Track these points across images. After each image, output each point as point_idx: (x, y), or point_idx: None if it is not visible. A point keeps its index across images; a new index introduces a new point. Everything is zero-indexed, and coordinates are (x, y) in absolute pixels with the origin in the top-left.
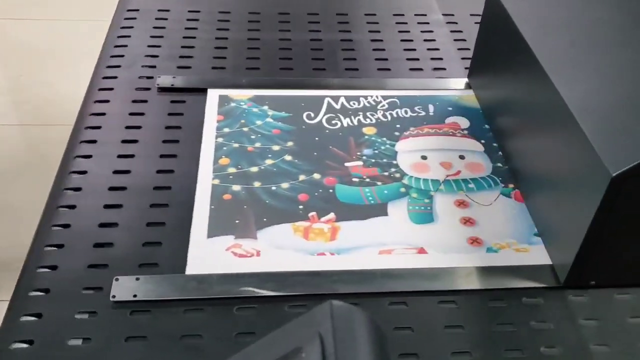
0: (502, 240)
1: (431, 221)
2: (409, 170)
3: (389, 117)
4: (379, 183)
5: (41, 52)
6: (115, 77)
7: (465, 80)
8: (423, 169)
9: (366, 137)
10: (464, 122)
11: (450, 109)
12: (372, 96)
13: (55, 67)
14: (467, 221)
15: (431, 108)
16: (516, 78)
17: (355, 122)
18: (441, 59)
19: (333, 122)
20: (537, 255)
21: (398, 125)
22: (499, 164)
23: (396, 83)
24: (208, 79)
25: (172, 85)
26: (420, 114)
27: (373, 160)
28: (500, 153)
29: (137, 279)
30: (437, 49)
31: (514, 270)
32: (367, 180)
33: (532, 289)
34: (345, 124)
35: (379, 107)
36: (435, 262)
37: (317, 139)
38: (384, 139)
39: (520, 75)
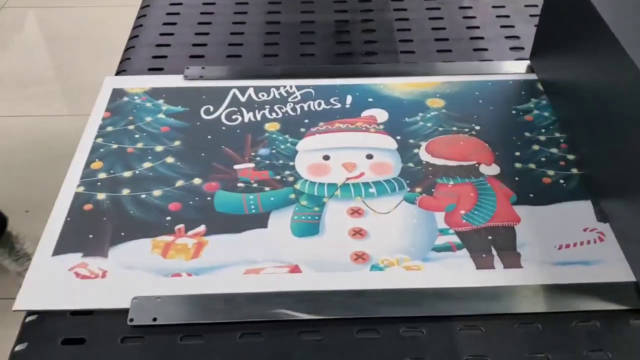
0: (393, 255)
1: (315, 233)
2: (305, 172)
3: (298, 111)
4: (267, 189)
5: (80, 40)
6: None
7: (527, 63)
8: (322, 171)
9: (267, 134)
10: (382, 116)
11: (371, 99)
12: (285, 87)
13: (95, 55)
14: (357, 233)
15: (349, 99)
16: (590, 59)
17: (259, 117)
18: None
19: (234, 117)
20: (429, 274)
21: (306, 120)
22: (410, 164)
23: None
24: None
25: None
26: (335, 107)
27: (267, 162)
28: (415, 151)
29: (158, 298)
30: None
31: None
32: (255, 185)
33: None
34: (246, 120)
35: (290, 99)
36: (307, 283)
37: (209, 137)
38: (287, 136)
39: (596, 56)
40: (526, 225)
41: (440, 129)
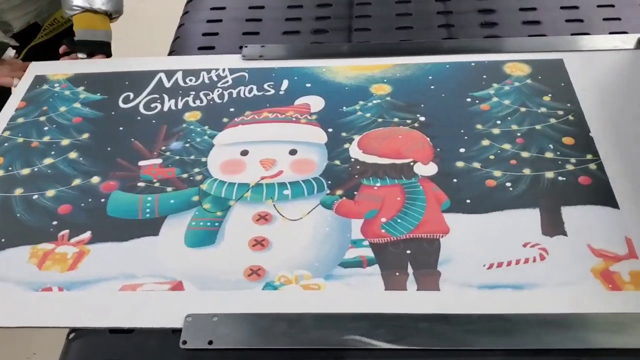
0: (292, 272)
1: (211, 243)
2: (217, 170)
3: (225, 98)
4: (169, 189)
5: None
6: None
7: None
8: (236, 168)
9: (184, 125)
10: (318, 104)
11: (309, 85)
12: (217, 70)
13: (146, 35)
14: (259, 243)
15: (284, 85)
16: None
17: (180, 105)
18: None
19: (153, 105)
20: (328, 295)
21: (232, 109)
22: (337, 162)
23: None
24: None
25: None
26: (268, 93)
27: (177, 158)
28: (346, 146)
29: (214, 317)
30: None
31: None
32: (157, 184)
33: None
34: (166, 108)
35: (220, 84)
36: (187, 304)
37: (121, 128)
38: (206, 127)
39: None
40: (455, 238)
41: (380, 120)
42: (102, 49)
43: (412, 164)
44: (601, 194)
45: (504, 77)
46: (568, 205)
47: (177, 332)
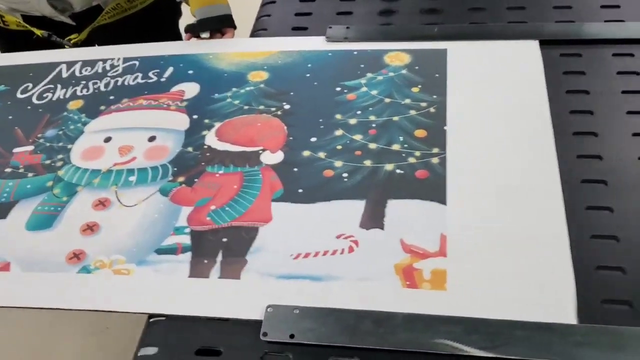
0: (109, 256)
1: (48, 227)
2: (78, 157)
3: (110, 86)
4: (30, 174)
5: None
6: None
7: None
8: (94, 155)
9: (65, 113)
10: (193, 90)
11: (191, 72)
12: (112, 59)
13: None
14: (89, 228)
15: (168, 72)
16: None
17: (68, 95)
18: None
19: (45, 95)
20: (137, 280)
21: (112, 97)
22: (190, 149)
23: None
24: None
25: None
26: (150, 80)
27: (48, 145)
28: (204, 133)
29: (296, 310)
30: None
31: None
32: (21, 170)
33: None
34: (55, 98)
35: (110, 73)
36: (10, 285)
37: (10, 117)
38: (83, 115)
39: None
40: (274, 227)
41: (246, 107)
42: (227, 22)
43: (260, 152)
44: (433, 189)
45: (381, 67)
46: (395, 198)
47: None
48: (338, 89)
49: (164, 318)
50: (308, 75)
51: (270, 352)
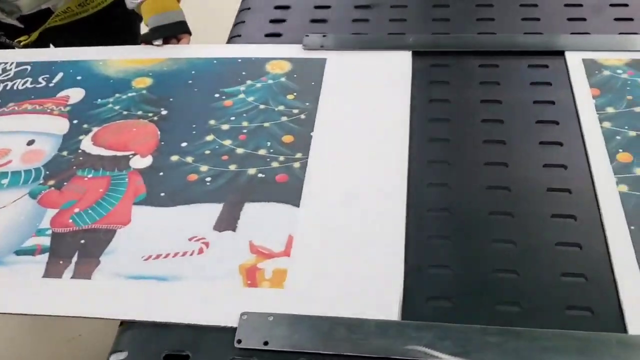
0: None
1: None
2: None
3: None
4: None
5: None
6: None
7: None
8: None
9: None
10: (77, 96)
11: (80, 77)
12: (5, 63)
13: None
14: None
15: (58, 77)
16: None
17: None
18: None
19: None
20: None
21: (0, 101)
22: (65, 153)
23: None
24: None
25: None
26: (39, 85)
27: None
28: (81, 137)
29: (270, 317)
30: None
31: None
32: None
33: None
34: None
35: (1, 77)
36: None
37: None
38: None
39: None
40: (131, 230)
41: (125, 112)
42: (181, 28)
43: (131, 156)
44: (290, 192)
45: (262, 75)
46: (252, 201)
47: None
48: (217, 95)
49: (134, 323)
50: (190, 82)
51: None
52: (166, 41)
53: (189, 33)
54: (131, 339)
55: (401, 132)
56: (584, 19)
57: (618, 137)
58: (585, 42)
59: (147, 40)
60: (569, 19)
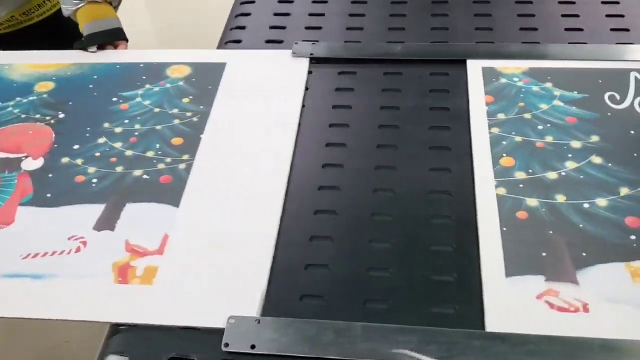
0: None
1: None
2: None
3: None
4: None
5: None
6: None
7: None
8: None
9: None
10: None
11: None
12: None
13: (197, 23)
14: None
15: None
16: None
17: None
18: None
19: None
20: None
21: None
22: None
23: None
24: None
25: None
26: None
27: None
28: None
29: (258, 321)
30: None
31: None
32: None
33: None
34: None
35: None
36: None
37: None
38: None
39: None
40: (14, 229)
41: (24, 116)
42: (117, 35)
43: (23, 158)
44: (171, 193)
45: (161, 79)
46: (134, 202)
47: None
48: (115, 99)
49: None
50: (91, 86)
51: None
52: (102, 47)
53: (126, 40)
54: (125, 342)
55: (287, 136)
56: (491, 29)
57: (504, 142)
58: (487, 51)
59: (82, 47)
60: (477, 29)
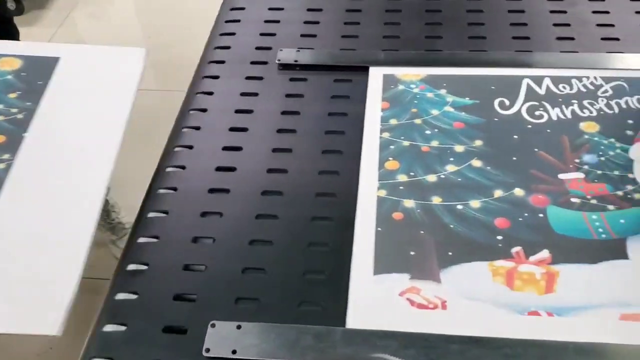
0: None
1: None
2: None
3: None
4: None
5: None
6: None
7: None
8: None
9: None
10: None
11: None
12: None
13: (184, 29)
14: None
15: None
16: None
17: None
18: None
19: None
20: None
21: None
22: None
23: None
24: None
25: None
26: None
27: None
28: None
29: (239, 327)
30: None
31: None
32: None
33: None
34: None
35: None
36: None
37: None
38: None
39: None
40: None
41: None
42: None
43: None
44: None
45: None
46: None
47: None
48: None
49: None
50: None
51: None
52: None
53: None
54: (108, 346)
55: (112, 136)
56: (398, 37)
57: (392, 147)
58: (391, 59)
59: None
60: (384, 37)
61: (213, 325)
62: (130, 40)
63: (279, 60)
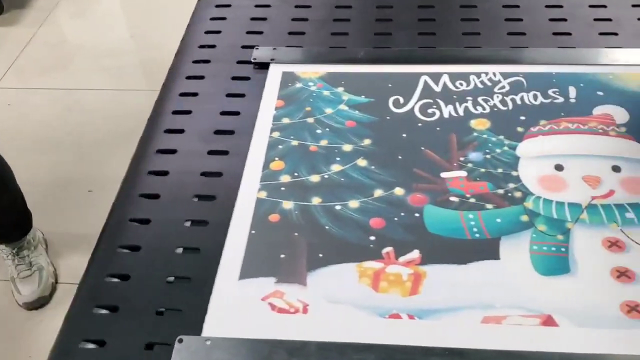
0: None
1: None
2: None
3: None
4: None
5: (155, 10)
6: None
7: None
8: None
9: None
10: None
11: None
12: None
13: (167, 27)
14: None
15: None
16: None
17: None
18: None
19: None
20: None
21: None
22: None
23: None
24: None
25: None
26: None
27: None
28: None
29: (208, 341)
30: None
31: None
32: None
33: None
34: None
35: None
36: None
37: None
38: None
39: None
40: None
41: None
42: None
43: None
44: None
45: None
46: None
47: None
48: None
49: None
50: None
51: None
52: None
53: None
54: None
55: None
56: (303, 33)
57: (280, 146)
58: (292, 57)
59: None
60: (289, 33)
61: (180, 340)
62: (113, 40)
63: (254, 59)
